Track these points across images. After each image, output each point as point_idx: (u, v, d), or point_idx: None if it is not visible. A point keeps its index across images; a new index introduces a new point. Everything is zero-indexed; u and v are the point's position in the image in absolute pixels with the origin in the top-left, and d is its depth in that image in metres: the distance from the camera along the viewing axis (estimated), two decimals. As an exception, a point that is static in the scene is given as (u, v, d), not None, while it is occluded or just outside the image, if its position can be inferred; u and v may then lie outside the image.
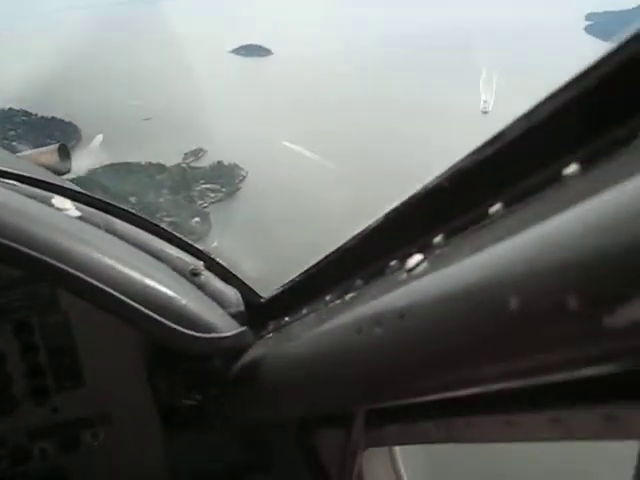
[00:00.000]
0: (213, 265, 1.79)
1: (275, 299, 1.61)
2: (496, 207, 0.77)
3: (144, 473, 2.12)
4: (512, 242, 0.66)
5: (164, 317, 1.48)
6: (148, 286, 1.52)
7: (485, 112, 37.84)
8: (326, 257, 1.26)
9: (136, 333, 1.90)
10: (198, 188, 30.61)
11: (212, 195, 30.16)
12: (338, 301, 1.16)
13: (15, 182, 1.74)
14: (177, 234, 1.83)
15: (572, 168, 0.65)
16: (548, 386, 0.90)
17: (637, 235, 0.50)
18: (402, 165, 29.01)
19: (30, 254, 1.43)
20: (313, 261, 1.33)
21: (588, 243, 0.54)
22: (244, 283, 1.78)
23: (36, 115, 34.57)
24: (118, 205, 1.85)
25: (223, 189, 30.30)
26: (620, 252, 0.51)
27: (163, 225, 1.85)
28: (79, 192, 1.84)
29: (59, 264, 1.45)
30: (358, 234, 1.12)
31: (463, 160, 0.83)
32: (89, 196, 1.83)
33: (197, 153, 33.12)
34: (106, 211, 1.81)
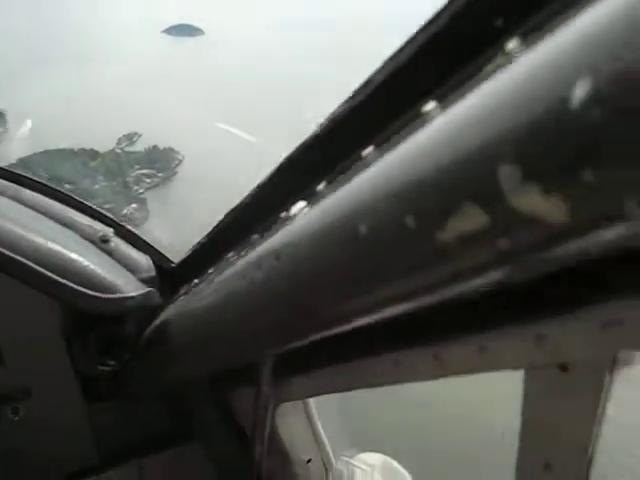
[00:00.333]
0: (123, 232, 1.80)
1: (185, 263, 1.63)
2: (368, 150, 0.83)
3: (68, 447, 2.11)
4: (364, 175, 0.72)
5: (68, 280, 1.48)
6: (52, 250, 1.52)
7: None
8: (226, 216, 1.30)
9: (51, 302, 1.88)
10: (134, 174, 29.63)
11: (148, 180, 29.24)
12: (236, 257, 1.20)
13: None
14: (87, 202, 1.82)
15: (430, 105, 0.71)
16: (428, 322, 0.97)
17: (453, 157, 0.55)
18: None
19: None
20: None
21: (419, 166, 0.60)
22: (155, 249, 1.80)
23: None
24: (26, 175, 1.83)
25: (159, 174, 29.44)
26: (442, 174, 0.57)
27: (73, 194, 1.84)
28: None
29: None
30: (253, 190, 1.16)
31: (339, 108, 0.89)
32: None
33: (131, 137, 32.01)
34: (14, 181, 1.79)
